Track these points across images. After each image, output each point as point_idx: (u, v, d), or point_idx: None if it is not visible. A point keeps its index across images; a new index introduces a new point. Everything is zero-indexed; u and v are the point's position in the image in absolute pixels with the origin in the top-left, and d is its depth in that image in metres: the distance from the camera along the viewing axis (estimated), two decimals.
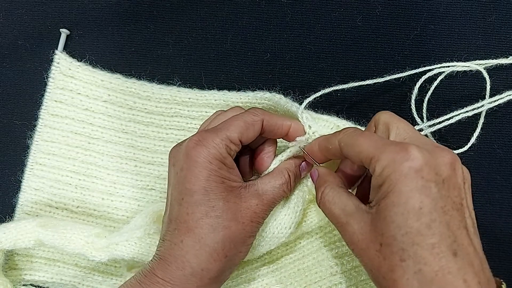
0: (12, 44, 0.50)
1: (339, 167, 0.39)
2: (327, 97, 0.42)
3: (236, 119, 0.37)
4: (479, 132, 0.46)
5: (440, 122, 0.43)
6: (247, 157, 0.41)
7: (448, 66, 0.46)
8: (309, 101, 0.41)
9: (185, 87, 0.47)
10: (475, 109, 0.44)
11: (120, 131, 0.47)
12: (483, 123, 0.46)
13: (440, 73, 0.46)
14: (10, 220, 0.47)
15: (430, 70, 0.45)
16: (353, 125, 0.42)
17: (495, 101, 0.45)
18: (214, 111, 0.41)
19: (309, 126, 0.39)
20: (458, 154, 0.46)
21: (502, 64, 0.47)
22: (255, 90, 0.46)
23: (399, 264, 0.29)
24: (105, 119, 0.47)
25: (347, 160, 0.38)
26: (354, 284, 0.42)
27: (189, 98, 0.46)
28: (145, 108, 0.47)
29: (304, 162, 0.40)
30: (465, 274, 0.28)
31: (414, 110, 0.45)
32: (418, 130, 0.36)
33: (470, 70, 0.47)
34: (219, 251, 0.34)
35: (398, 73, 0.44)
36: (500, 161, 0.46)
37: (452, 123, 0.44)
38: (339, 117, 0.43)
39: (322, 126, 0.41)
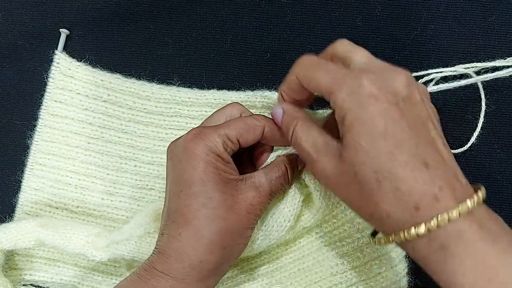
0: (12, 44, 0.50)
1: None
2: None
3: (238, 119, 0.38)
4: (479, 132, 0.46)
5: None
6: (248, 155, 0.41)
7: (438, 72, 0.45)
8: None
9: (185, 87, 0.47)
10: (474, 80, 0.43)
11: (119, 131, 0.47)
12: (483, 122, 0.46)
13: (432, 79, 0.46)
14: (10, 220, 0.47)
15: (423, 75, 0.45)
16: None
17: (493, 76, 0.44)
18: (214, 111, 0.41)
19: None
20: (457, 154, 0.46)
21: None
22: (255, 90, 0.46)
23: (376, 188, 0.30)
24: (104, 119, 0.47)
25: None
26: (355, 284, 0.42)
27: (189, 98, 0.46)
28: (145, 108, 0.47)
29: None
30: (440, 182, 0.29)
31: None
32: None
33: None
34: (216, 242, 0.34)
35: None
36: (500, 161, 0.46)
37: (452, 124, 0.44)
38: None
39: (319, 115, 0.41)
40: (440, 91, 0.46)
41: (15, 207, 0.47)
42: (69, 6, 0.50)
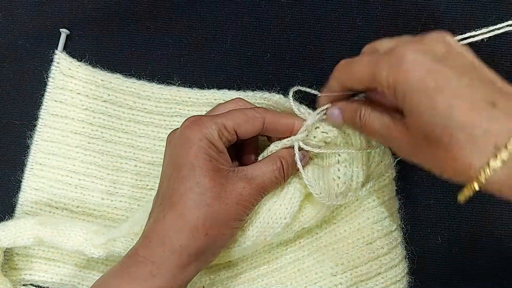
0: (12, 44, 0.50)
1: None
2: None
3: (237, 110, 0.38)
4: None
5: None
6: (251, 156, 0.41)
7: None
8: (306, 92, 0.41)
9: (185, 87, 0.47)
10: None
11: (120, 130, 0.47)
12: None
13: None
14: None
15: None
16: None
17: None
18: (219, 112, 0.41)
19: (309, 116, 0.39)
20: None
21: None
22: (255, 90, 0.46)
23: (449, 143, 0.29)
24: (105, 119, 0.47)
25: None
26: (355, 284, 0.42)
27: (189, 98, 0.46)
28: (145, 108, 0.47)
29: (301, 152, 0.40)
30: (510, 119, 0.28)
31: None
32: None
33: None
34: (199, 228, 0.34)
35: None
36: None
37: None
38: None
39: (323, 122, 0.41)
40: None
41: (15, 207, 0.47)
42: (69, 6, 0.50)
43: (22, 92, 0.49)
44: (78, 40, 0.49)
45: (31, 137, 0.47)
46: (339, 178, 0.40)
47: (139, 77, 0.48)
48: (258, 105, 0.44)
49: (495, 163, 0.28)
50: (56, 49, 0.48)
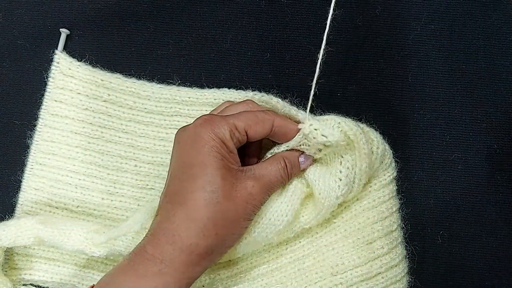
0: (12, 44, 0.50)
1: None
2: (326, 97, 0.42)
3: (248, 112, 0.38)
4: (479, 132, 0.46)
5: None
6: (254, 158, 0.41)
7: None
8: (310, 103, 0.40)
9: (185, 87, 0.47)
10: None
11: (120, 130, 0.47)
12: (485, 121, 0.46)
13: None
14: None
15: None
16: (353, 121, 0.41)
17: None
18: (231, 113, 0.41)
19: (310, 124, 0.39)
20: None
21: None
22: (255, 90, 0.46)
23: None
24: (105, 119, 0.47)
25: None
26: (355, 284, 0.42)
27: (189, 97, 0.46)
28: (145, 108, 0.47)
29: (303, 155, 0.40)
30: None
31: None
32: None
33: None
34: (209, 227, 0.34)
35: (400, 73, 0.44)
36: (500, 161, 0.46)
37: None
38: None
39: (323, 125, 0.41)
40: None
41: (15, 207, 0.47)
42: (69, 6, 0.50)
43: (22, 92, 0.49)
44: (78, 40, 0.49)
45: (31, 137, 0.47)
46: (340, 180, 0.40)
47: (139, 77, 0.48)
48: None
49: None
50: (56, 49, 0.48)
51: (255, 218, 0.39)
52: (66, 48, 0.49)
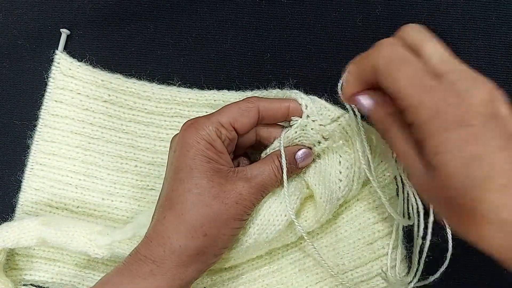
0: (12, 44, 0.50)
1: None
2: (326, 97, 0.42)
3: (230, 105, 0.38)
4: None
5: None
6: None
7: None
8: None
9: (185, 87, 0.47)
10: None
11: (120, 131, 0.47)
12: None
13: None
14: (11, 221, 0.46)
15: None
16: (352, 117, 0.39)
17: None
18: (214, 111, 0.41)
19: (305, 105, 0.38)
20: None
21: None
22: (254, 90, 0.46)
23: (472, 214, 0.28)
24: (105, 119, 0.47)
25: None
26: (356, 285, 0.42)
27: (189, 98, 0.46)
28: (145, 108, 0.47)
29: (301, 151, 0.39)
30: None
31: None
32: None
33: None
34: (197, 228, 0.35)
35: None
36: None
37: None
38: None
39: (318, 107, 0.40)
40: None
41: (15, 207, 0.47)
42: (69, 6, 0.50)
43: (22, 92, 0.49)
44: (78, 40, 0.49)
45: (31, 137, 0.47)
46: (340, 181, 0.40)
47: (139, 77, 0.48)
48: None
49: None
50: (57, 49, 0.48)
51: (254, 218, 0.39)
52: (66, 48, 0.49)
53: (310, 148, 0.40)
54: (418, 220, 0.41)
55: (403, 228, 0.44)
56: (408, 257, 0.44)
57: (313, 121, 0.38)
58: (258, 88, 0.47)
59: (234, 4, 0.49)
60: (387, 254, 0.42)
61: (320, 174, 0.40)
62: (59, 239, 0.41)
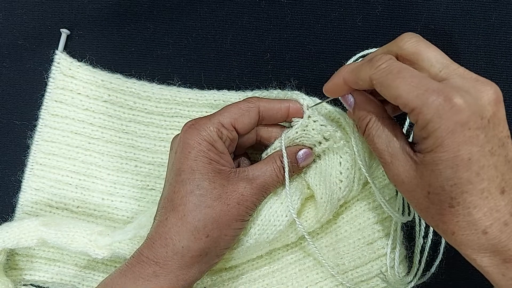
0: (12, 44, 0.50)
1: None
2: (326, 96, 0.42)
3: (231, 106, 0.38)
4: None
5: None
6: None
7: None
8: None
9: (185, 87, 0.47)
10: None
11: (120, 131, 0.47)
12: None
13: None
14: (11, 220, 0.46)
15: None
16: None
17: None
18: (214, 111, 0.41)
19: (307, 105, 0.39)
20: None
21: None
22: (254, 90, 0.46)
23: (448, 210, 0.31)
24: (105, 119, 0.47)
25: None
26: (356, 284, 0.42)
27: (189, 99, 0.46)
28: (145, 109, 0.47)
29: (302, 151, 0.39)
30: None
31: None
32: None
33: None
34: (200, 229, 0.35)
35: None
36: None
37: None
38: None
39: (319, 108, 0.40)
40: None
41: (15, 207, 0.47)
42: (69, 6, 0.50)
43: (22, 92, 0.49)
44: (78, 40, 0.49)
45: (31, 137, 0.47)
46: (341, 182, 0.40)
47: (139, 77, 0.48)
48: None
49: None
50: (57, 49, 0.48)
51: (255, 218, 0.39)
52: (66, 48, 0.49)
53: (311, 148, 0.40)
54: (420, 219, 0.41)
55: (403, 228, 0.44)
56: (409, 257, 0.44)
57: (314, 121, 0.39)
58: (259, 88, 0.47)
59: (234, 4, 0.49)
60: (387, 254, 0.42)
61: (321, 175, 0.40)
62: (59, 239, 0.41)
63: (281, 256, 0.44)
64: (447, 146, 0.29)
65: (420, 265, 0.41)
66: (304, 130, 0.39)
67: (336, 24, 0.48)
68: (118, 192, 0.47)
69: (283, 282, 0.43)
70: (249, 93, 0.46)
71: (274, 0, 0.49)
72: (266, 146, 0.40)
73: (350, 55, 0.48)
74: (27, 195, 0.47)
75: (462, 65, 0.47)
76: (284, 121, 0.40)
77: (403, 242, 0.44)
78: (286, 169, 0.38)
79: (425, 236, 0.41)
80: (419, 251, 0.41)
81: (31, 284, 0.46)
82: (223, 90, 0.46)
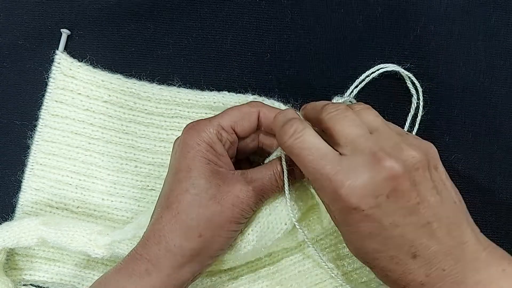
0: (12, 44, 0.50)
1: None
2: (326, 96, 0.42)
3: (232, 108, 0.38)
4: (479, 132, 0.46)
5: None
6: None
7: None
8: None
9: (185, 88, 0.47)
10: None
11: (120, 131, 0.47)
12: (484, 122, 0.46)
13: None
14: (11, 220, 0.46)
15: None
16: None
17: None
18: (213, 113, 0.41)
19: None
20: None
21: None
22: (255, 90, 0.46)
23: (368, 266, 0.34)
24: (105, 120, 0.47)
25: None
26: (356, 286, 0.42)
27: (189, 100, 0.46)
28: (146, 109, 0.47)
29: None
30: (427, 269, 0.31)
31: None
32: None
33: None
34: (193, 228, 0.35)
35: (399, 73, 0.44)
36: (500, 161, 0.46)
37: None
38: None
39: None
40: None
41: (15, 207, 0.47)
42: (69, 6, 0.50)
43: (22, 92, 0.49)
44: (78, 40, 0.49)
45: (31, 137, 0.47)
46: None
47: (139, 77, 0.48)
48: None
49: None
50: (57, 49, 0.48)
51: (253, 224, 0.39)
52: (66, 49, 0.49)
53: None
54: None
55: None
56: None
57: None
58: (259, 90, 0.47)
59: (234, 4, 0.49)
60: None
61: None
62: (59, 239, 0.41)
63: (281, 257, 0.44)
64: (348, 223, 0.32)
65: None
66: None
67: (336, 25, 0.48)
68: (118, 193, 0.47)
69: (283, 283, 0.43)
70: (249, 97, 0.46)
71: (274, 1, 0.49)
72: (269, 153, 0.40)
73: (350, 56, 0.48)
74: (27, 195, 0.47)
75: (462, 66, 0.47)
76: None
77: None
78: (285, 173, 0.37)
79: None
80: None
81: (31, 284, 0.46)
82: (223, 92, 0.46)
